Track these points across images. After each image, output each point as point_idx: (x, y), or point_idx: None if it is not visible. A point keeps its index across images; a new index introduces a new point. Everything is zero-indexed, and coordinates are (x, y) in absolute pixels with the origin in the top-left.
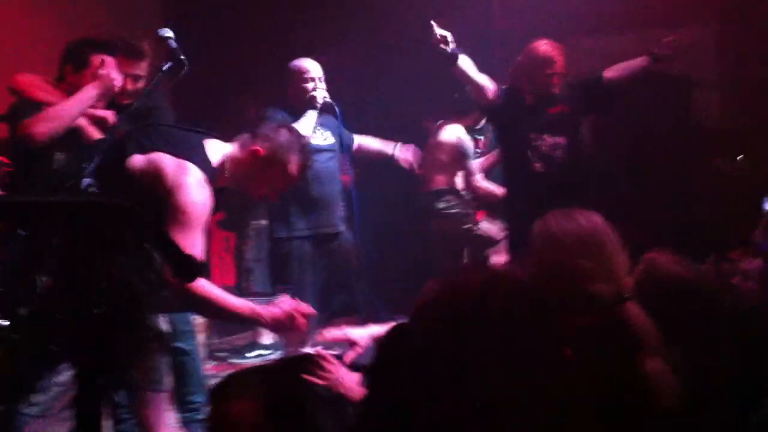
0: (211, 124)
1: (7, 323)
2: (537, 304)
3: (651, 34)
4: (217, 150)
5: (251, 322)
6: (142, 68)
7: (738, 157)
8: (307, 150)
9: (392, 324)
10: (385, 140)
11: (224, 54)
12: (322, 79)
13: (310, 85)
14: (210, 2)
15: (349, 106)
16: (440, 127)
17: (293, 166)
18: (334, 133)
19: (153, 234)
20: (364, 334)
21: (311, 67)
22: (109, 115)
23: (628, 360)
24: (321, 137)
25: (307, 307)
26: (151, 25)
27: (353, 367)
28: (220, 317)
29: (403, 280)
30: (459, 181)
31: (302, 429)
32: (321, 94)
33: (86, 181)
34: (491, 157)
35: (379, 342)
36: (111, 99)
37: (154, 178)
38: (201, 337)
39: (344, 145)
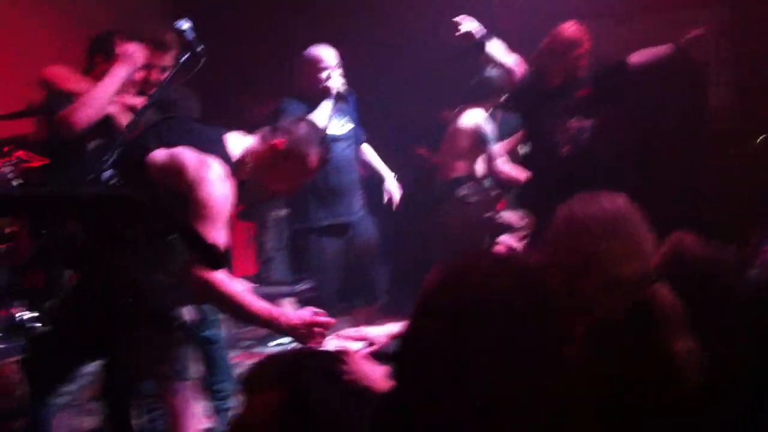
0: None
1: (34, 315)
2: (541, 295)
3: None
4: (238, 144)
5: (267, 326)
6: (167, 59)
7: (759, 139)
8: (326, 143)
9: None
10: (384, 162)
11: (224, 53)
12: (339, 66)
13: (324, 75)
14: (211, 1)
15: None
16: (458, 113)
17: (313, 159)
18: (350, 121)
19: (178, 226)
20: (381, 332)
21: (326, 55)
22: (140, 103)
23: (656, 341)
24: (338, 126)
25: (324, 317)
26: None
27: (379, 357)
28: (238, 316)
29: (422, 270)
30: (479, 168)
31: (324, 421)
32: (337, 82)
33: (107, 173)
34: (512, 141)
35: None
36: (140, 88)
37: (176, 172)
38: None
39: (357, 137)
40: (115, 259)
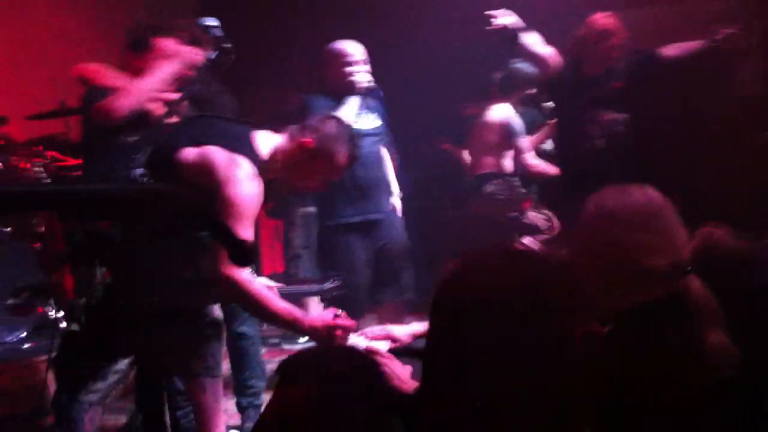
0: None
1: (65, 313)
2: (542, 294)
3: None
4: (266, 142)
5: (289, 327)
6: (199, 57)
7: None
8: (355, 140)
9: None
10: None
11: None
12: (366, 61)
13: (350, 69)
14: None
15: None
16: (485, 107)
17: (341, 157)
18: (379, 116)
19: (208, 222)
20: (406, 331)
21: (352, 49)
22: (173, 97)
23: (688, 333)
24: (366, 121)
25: (348, 321)
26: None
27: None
28: (261, 316)
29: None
30: (507, 164)
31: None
32: (364, 78)
33: (138, 171)
34: (540, 135)
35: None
36: (179, 85)
37: (206, 171)
38: None
39: (385, 134)
40: (146, 257)
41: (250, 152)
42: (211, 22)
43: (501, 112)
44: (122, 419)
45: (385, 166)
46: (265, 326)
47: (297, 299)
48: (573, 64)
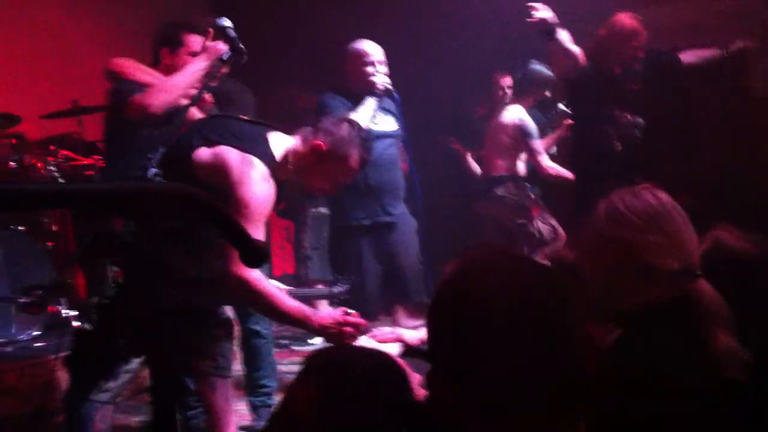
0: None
1: (77, 312)
2: (535, 295)
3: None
4: (280, 143)
5: (299, 325)
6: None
7: None
8: (367, 143)
9: None
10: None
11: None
12: (384, 63)
13: (369, 69)
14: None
15: None
16: (500, 108)
17: (354, 160)
18: (396, 119)
19: (222, 220)
20: (415, 335)
21: (371, 49)
22: (208, 97)
23: (697, 336)
24: (382, 123)
25: (359, 320)
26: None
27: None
28: (272, 315)
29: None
30: (521, 168)
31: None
32: (382, 79)
33: (152, 170)
34: (552, 138)
35: None
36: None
37: (219, 171)
38: None
39: (401, 136)
40: (157, 256)
41: (264, 153)
42: (225, 22)
43: (515, 113)
44: (133, 418)
45: (399, 169)
46: (275, 327)
47: (306, 302)
48: (593, 64)
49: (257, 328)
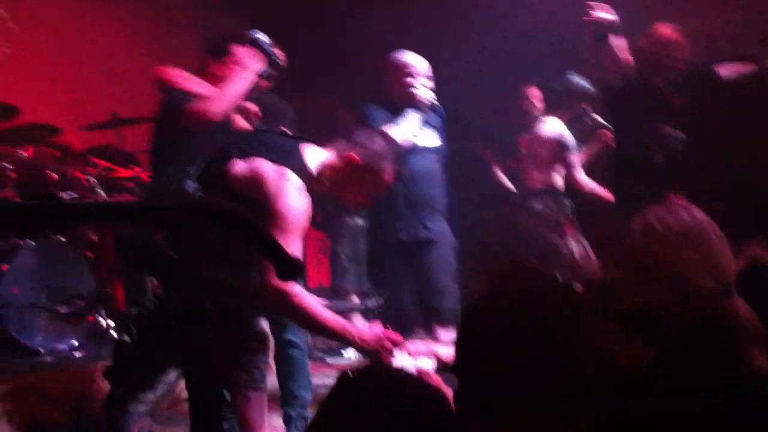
0: None
1: (117, 323)
2: (547, 309)
3: None
4: (314, 156)
5: (339, 339)
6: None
7: None
8: (402, 156)
9: None
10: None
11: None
12: (430, 78)
13: (410, 80)
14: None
15: None
16: (535, 120)
17: (387, 173)
18: (439, 134)
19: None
20: (450, 351)
21: (414, 61)
22: (253, 107)
23: (733, 355)
24: (427, 137)
25: (396, 335)
26: None
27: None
28: (311, 328)
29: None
30: (558, 182)
31: None
32: (425, 93)
33: (191, 185)
34: (587, 152)
35: None
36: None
37: (255, 184)
38: None
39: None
40: (197, 269)
41: (299, 166)
42: (259, 35)
43: (554, 126)
44: (170, 429)
45: (439, 185)
46: (310, 339)
47: (340, 315)
48: (633, 74)
49: (293, 338)
